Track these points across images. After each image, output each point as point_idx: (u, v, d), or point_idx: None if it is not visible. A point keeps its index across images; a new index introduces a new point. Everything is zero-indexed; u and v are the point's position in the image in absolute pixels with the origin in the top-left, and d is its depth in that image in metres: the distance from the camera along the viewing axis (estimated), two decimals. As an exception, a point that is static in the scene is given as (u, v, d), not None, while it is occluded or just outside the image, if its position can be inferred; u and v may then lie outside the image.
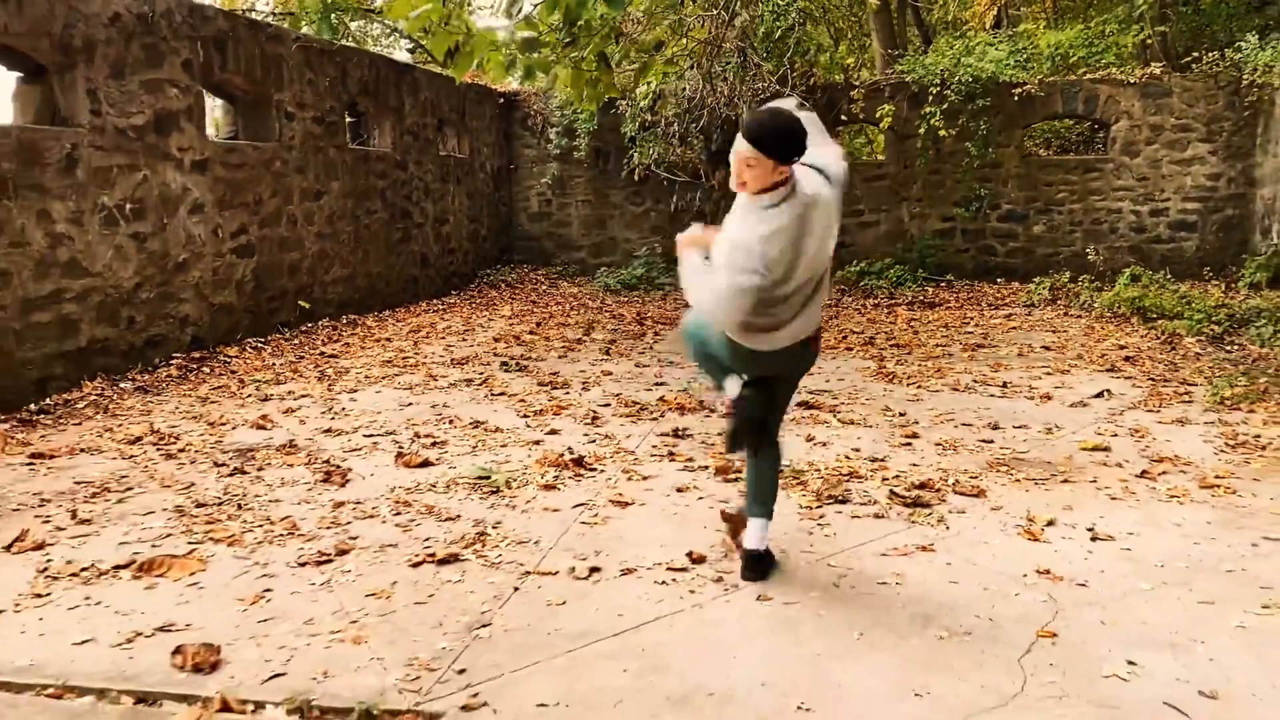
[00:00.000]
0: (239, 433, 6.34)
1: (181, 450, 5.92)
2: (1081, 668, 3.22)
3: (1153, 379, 7.76)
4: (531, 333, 10.35)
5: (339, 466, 5.53)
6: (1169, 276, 12.29)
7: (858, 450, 5.84)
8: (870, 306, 12.35)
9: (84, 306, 7.32)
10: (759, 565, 3.96)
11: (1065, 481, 5.25)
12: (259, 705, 3.03)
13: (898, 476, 5.31)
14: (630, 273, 14.27)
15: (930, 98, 13.75)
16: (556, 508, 4.87)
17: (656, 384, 7.82)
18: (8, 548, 4.33)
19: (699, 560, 4.16)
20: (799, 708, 2.98)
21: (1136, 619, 3.59)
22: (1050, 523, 4.61)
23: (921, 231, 14.41)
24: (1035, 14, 22.47)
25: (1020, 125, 14.16)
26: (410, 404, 7.13)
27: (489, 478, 5.28)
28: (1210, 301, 10.47)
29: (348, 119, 11.33)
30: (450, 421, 6.61)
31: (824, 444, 6.00)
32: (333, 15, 19.96)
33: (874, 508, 4.84)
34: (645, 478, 5.36)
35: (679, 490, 5.14)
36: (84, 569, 4.10)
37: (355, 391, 7.52)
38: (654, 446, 5.99)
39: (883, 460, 5.65)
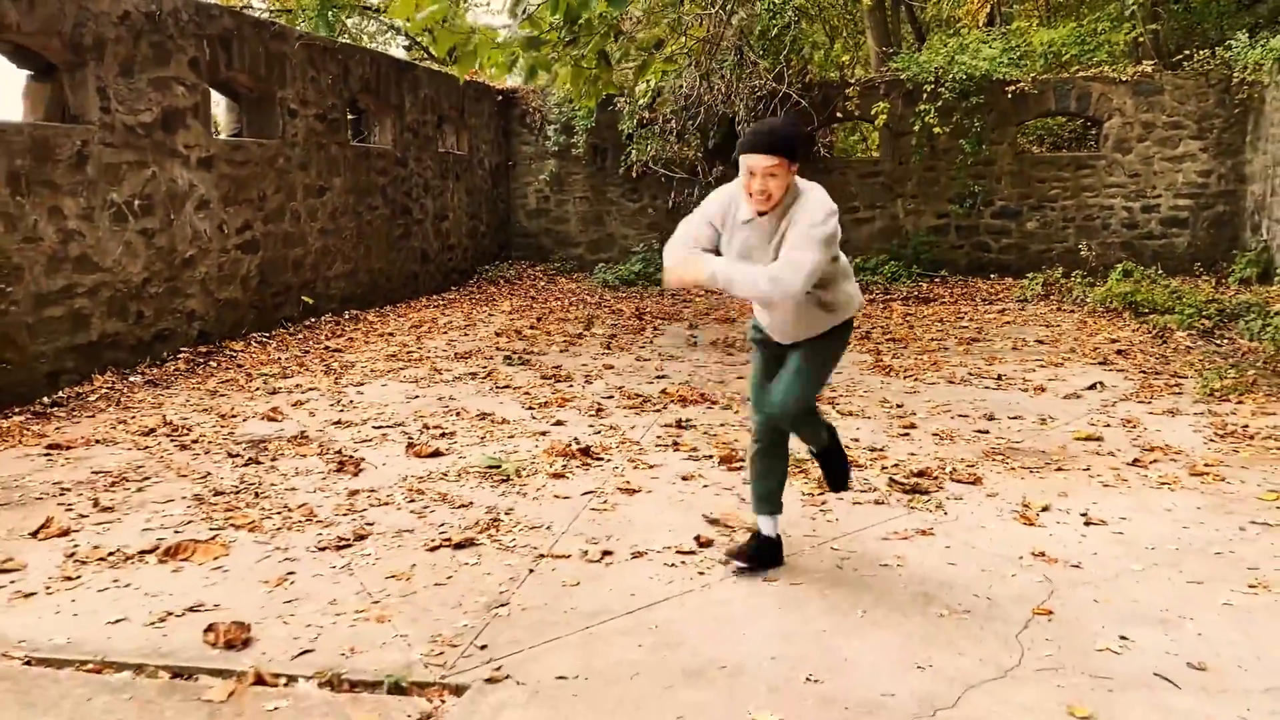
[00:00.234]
0: (250, 424, 6.47)
1: (195, 441, 6.05)
2: (1076, 642, 3.37)
3: (1144, 372, 7.92)
4: (532, 328, 10.49)
5: (351, 456, 5.66)
6: (1160, 272, 12.46)
7: (857, 440, 5.98)
8: (866, 301, 12.49)
9: (94, 301, 7.44)
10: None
11: (1059, 470, 5.40)
12: (291, 679, 3.17)
13: (897, 465, 5.46)
14: (628, 268, 14.40)
15: (925, 95, 13.90)
16: (566, 495, 5.01)
17: (658, 377, 7.96)
18: (34, 534, 4.46)
19: (706, 544, 4.30)
20: (808, 679, 3.13)
21: (1128, 597, 3.74)
22: (1045, 508, 4.76)
23: (916, 228, 14.56)
24: (1028, 11, 22.65)
25: (1014, 122, 14.32)
26: (417, 396, 7.26)
27: (499, 467, 5.41)
28: (1201, 296, 10.63)
29: (349, 116, 11.44)
30: (457, 413, 6.75)
31: (824, 434, 6.14)
32: (329, 12, 20.04)
33: (874, 494, 4.99)
34: (651, 466, 5.51)
35: (684, 478, 5.28)
36: (110, 554, 4.23)
37: (362, 385, 7.65)
38: (658, 437, 6.14)
39: (882, 450, 5.80)
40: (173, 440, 6.07)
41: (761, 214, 3.62)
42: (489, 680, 3.13)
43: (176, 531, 4.51)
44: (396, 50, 23.72)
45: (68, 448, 5.87)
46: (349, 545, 4.33)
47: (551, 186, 15.81)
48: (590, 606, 3.70)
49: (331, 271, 10.81)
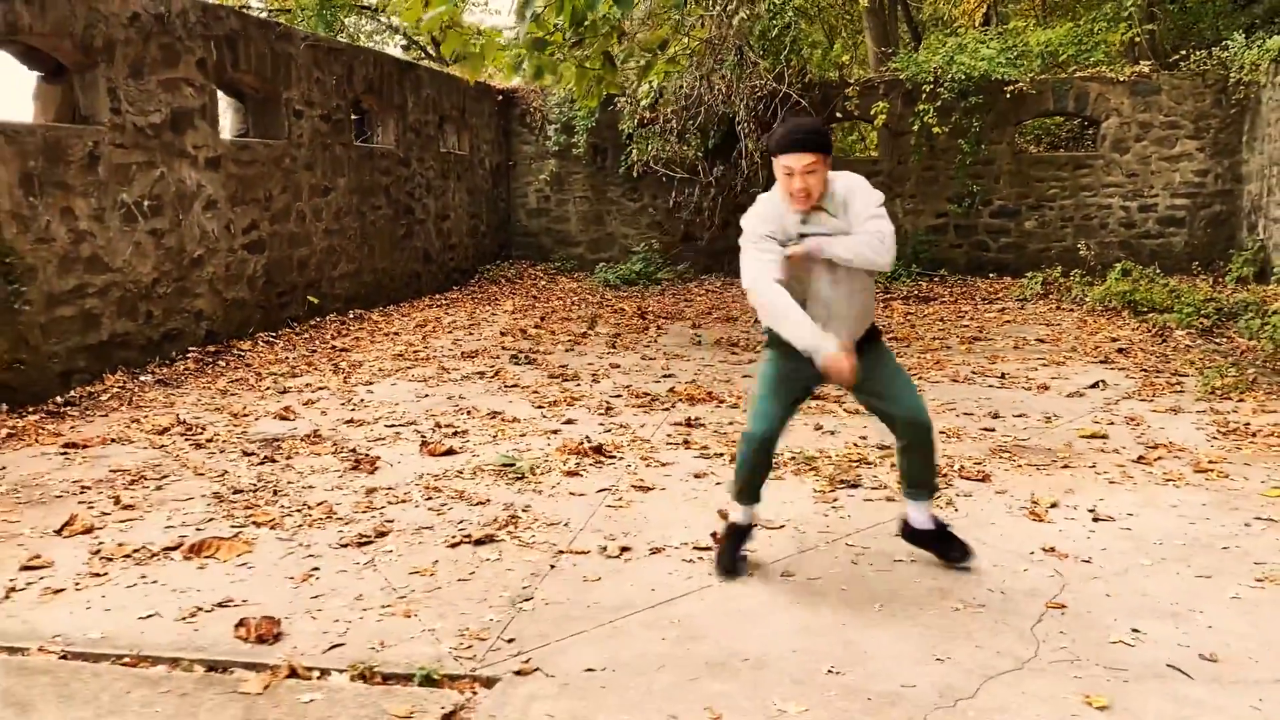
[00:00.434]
0: (263, 423, 6.53)
1: (209, 440, 6.11)
2: (1089, 635, 3.45)
3: (1145, 370, 8.01)
4: (536, 327, 10.55)
5: (366, 455, 5.73)
6: (1158, 271, 12.54)
7: (864, 438, 6.06)
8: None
9: (105, 301, 7.50)
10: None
11: (1065, 467, 5.48)
12: (324, 672, 3.23)
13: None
14: (629, 268, 14.47)
15: (923, 95, 13.99)
16: (581, 492, 5.08)
17: (665, 376, 8.03)
18: (59, 531, 4.52)
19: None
20: (830, 671, 3.20)
21: (1138, 591, 3.82)
22: (1053, 505, 4.84)
23: (915, 227, 14.65)
24: (1023, 11, 22.76)
25: (1012, 122, 14.41)
26: (426, 395, 7.33)
27: (513, 465, 5.48)
28: (1199, 295, 10.72)
29: (352, 117, 11.50)
30: (468, 412, 6.81)
31: (832, 432, 6.22)
32: (327, 12, 20.01)
33: (884, 491, 5.06)
34: (663, 464, 5.58)
35: (696, 476, 5.36)
36: (135, 550, 4.29)
37: (371, 384, 7.71)
38: (668, 435, 6.21)
39: (890, 447, 5.86)
40: (187, 439, 6.13)
41: (803, 211, 3.73)
42: (518, 672, 3.20)
43: (198, 529, 4.58)
44: (394, 50, 23.79)
45: (84, 446, 5.93)
46: (370, 542, 4.40)
47: (552, 186, 15.88)
48: (612, 601, 3.77)
49: (336, 271, 10.87)
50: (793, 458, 5.61)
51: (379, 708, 3.01)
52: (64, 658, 3.34)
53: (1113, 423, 6.43)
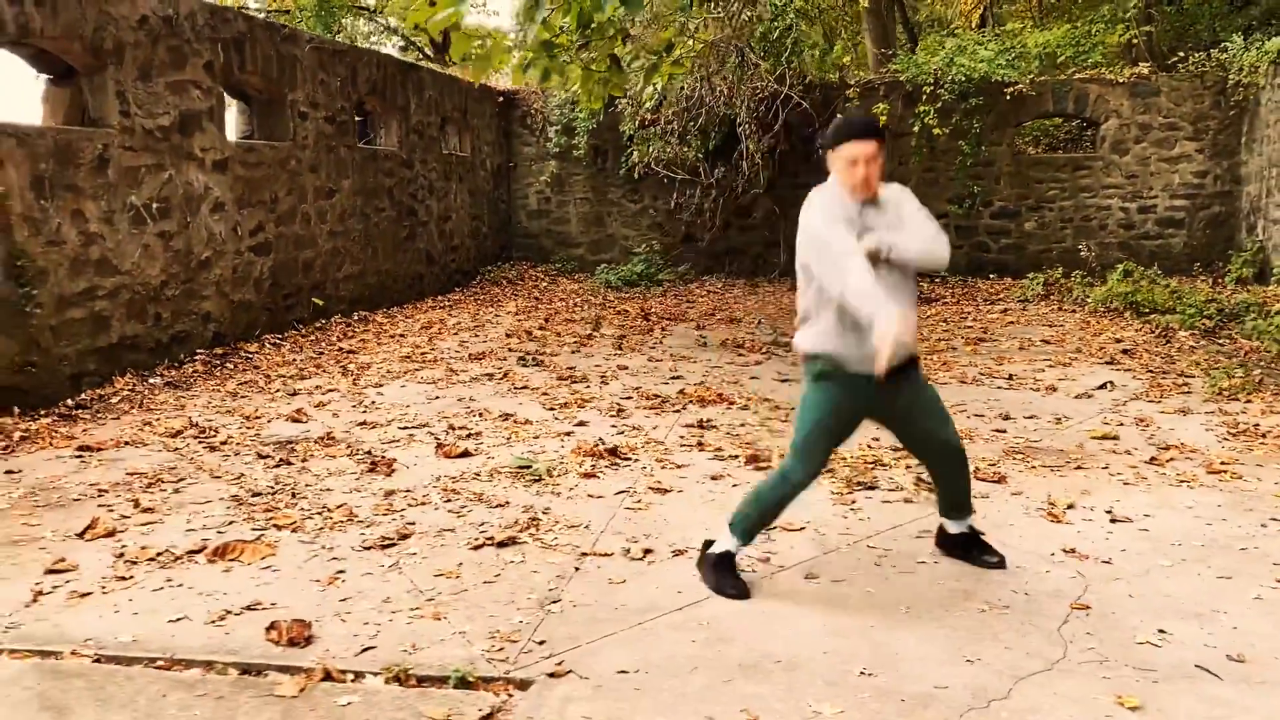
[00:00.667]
0: (275, 426, 6.54)
1: (223, 443, 6.11)
2: (1116, 636, 3.48)
3: (1151, 371, 8.05)
4: (541, 328, 10.57)
5: (383, 457, 5.74)
6: (1159, 272, 12.59)
7: (878, 440, 6.08)
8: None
9: (115, 303, 7.49)
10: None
11: (1079, 468, 5.51)
12: (358, 675, 3.25)
13: (920, 464, 5.55)
14: (630, 269, 14.49)
15: (924, 97, 14.04)
16: (600, 495, 5.09)
17: (673, 378, 8.05)
18: (81, 535, 4.53)
19: (745, 542, 4.40)
20: (862, 672, 3.23)
21: (1161, 592, 3.85)
22: (1070, 506, 4.87)
23: (916, 228, 14.64)
24: (1019, 13, 22.84)
25: (1012, 124, 14.45)
26: (437, 398, 7.34)
27: (530, 467, 5.50)
28: (1200, 296, 10.77)
29: (356, 119, 11.50)
30: (480, 414, 6.82)
31: (844, 434, 6.24)
32: (325, 13, 19.99)
33: (902, 493, 5.09)
34: (679, 466, 5.60)
35: (713, 478, 5.38)
36: (159, 554, 4.30)
37: (381, 386, 7.72)
38: (681, 437, 6.23)
39: (903, 449, 5.89)
40: (201, 442, 6.13)
41: (863, 200, 3.79)
42: (552, 675, 3.22)
43: (220, 532, 4.58)
44: (391, 51, 23.77)
45: (98, 449, 5.93)
46: (393, 544, 4.41)
47: (552, 187, 15.88)
48: (639, 603, 3.79)
49: (341, 273, 10.87)
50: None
51: (416, 710, 3.03)
52: (97, 661, 3.35)
53: (1123, 424, 6.46)
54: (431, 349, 9.34)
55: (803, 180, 14.75)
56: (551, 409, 6.99)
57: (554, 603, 3.79)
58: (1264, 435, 6.11)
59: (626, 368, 8.49)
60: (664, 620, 3.64)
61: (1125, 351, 8.87)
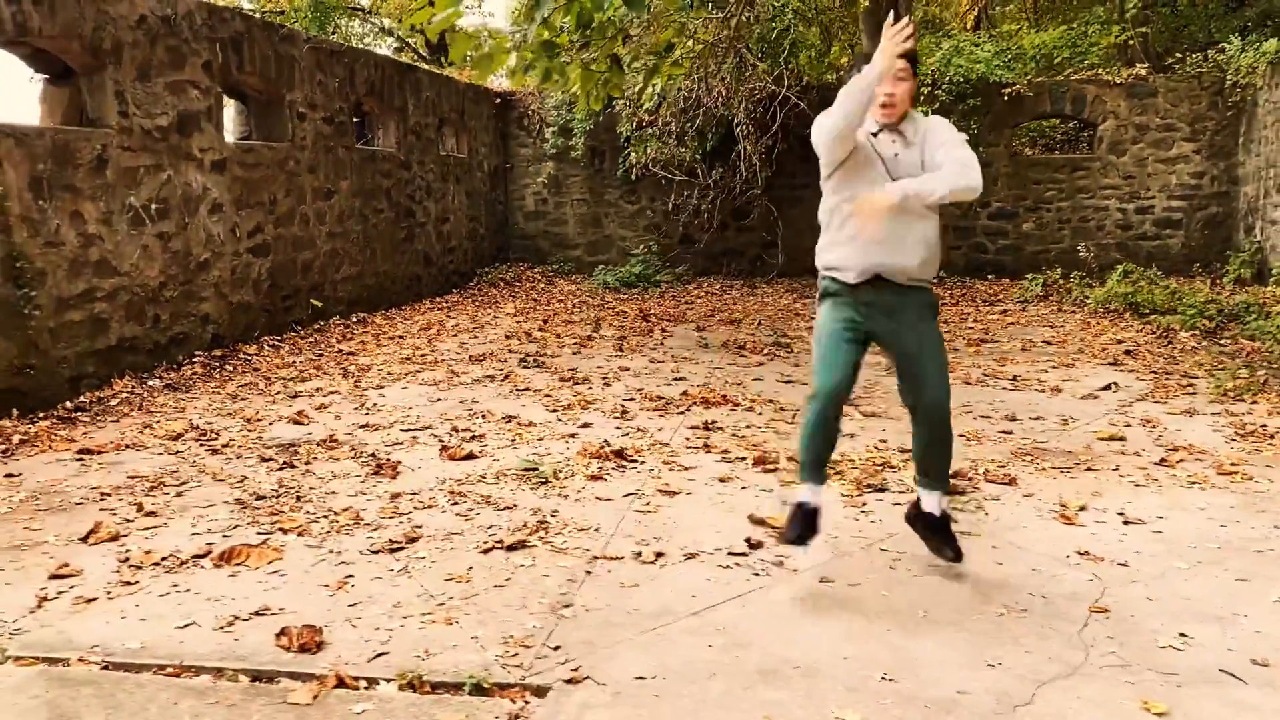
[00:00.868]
0: (277, 428, 6.48)
1: (225, 446, 6.05)
2: (1137, 640, 3.44)
3: (1155, 372, 8.03)
4: (540, 330, 10.52)
5: (387, 459, 5.69)
6: (1159, 273, 12.58)
7: (885, 442, 6.05)
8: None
9: (113, 305, 7.43)
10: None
11: (1089, 469, 5.48)
12: (371, 681, 3.20)
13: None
14: (629, 270, 14.44)
15: (921, 97, 13.99)
16: (608, 497, 5.05)
17: (676, 379, 8.01)
18: (84, 539, 4.47)
19: (757, 546, 4.36)
20: (883, 678, 3.19)
21: (1179, 595, 3.82)
22: (1082, 508, 4.84)
23: (914, 229, 14.62)
24: (1014, 15, 22.85)
25: (1009, 124, 14.46)
26: (439, 399, 7.29)
27: (536, 469, 5.45)
28: (1199, 297, 10.77)
29: (353, 119, 11.44)
30: (483, 416, 6.77)
31: (851, 436, 6.20)
32: (320, 14, 19.94)
33: (912, 496, 5.03)
34: (686, 468, 5.56)
35: (721, 480, 5.34)
36: (164, 558, 4.24)
37: (382, 388, 7.66)
38: (687, 439, 6.19)
39: (911, 451, 5.85)
40: (202, 445, 6.07)
41: (887, 127, 3.77)
42: (569, 681, 3.17)
43: (225, 536, 4.53)
44: (385, 51, 23.70)
45: (99, 452, 5.87)
46: (401, 548, 4.36)
47: (549, 189, 15.84)
48: (652, 607, 3.75)
49: (339, 274, 10.81)
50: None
51: (432, 717, 2.98)
52: (105, 668, 3.29)
53: (1129, 425, 6.44)
54: (431, 351, 9.29)
55: (800, 181, 14.71)
56: (555, 411, 6.94)
57: (567, 607, 3.74)
58: (1272, 436, 6.08)
59: (628, 369, 8.44)
60: (679, 625, 3.60)
61: (1128, 352, 8.85)
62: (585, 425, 6.55)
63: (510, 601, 3.80)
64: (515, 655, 3.35)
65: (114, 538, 4.49)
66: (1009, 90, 13.96)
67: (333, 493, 5.15)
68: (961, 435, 6.20)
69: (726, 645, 3.43)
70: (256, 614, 3.70)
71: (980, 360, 8.69)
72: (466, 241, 14.45)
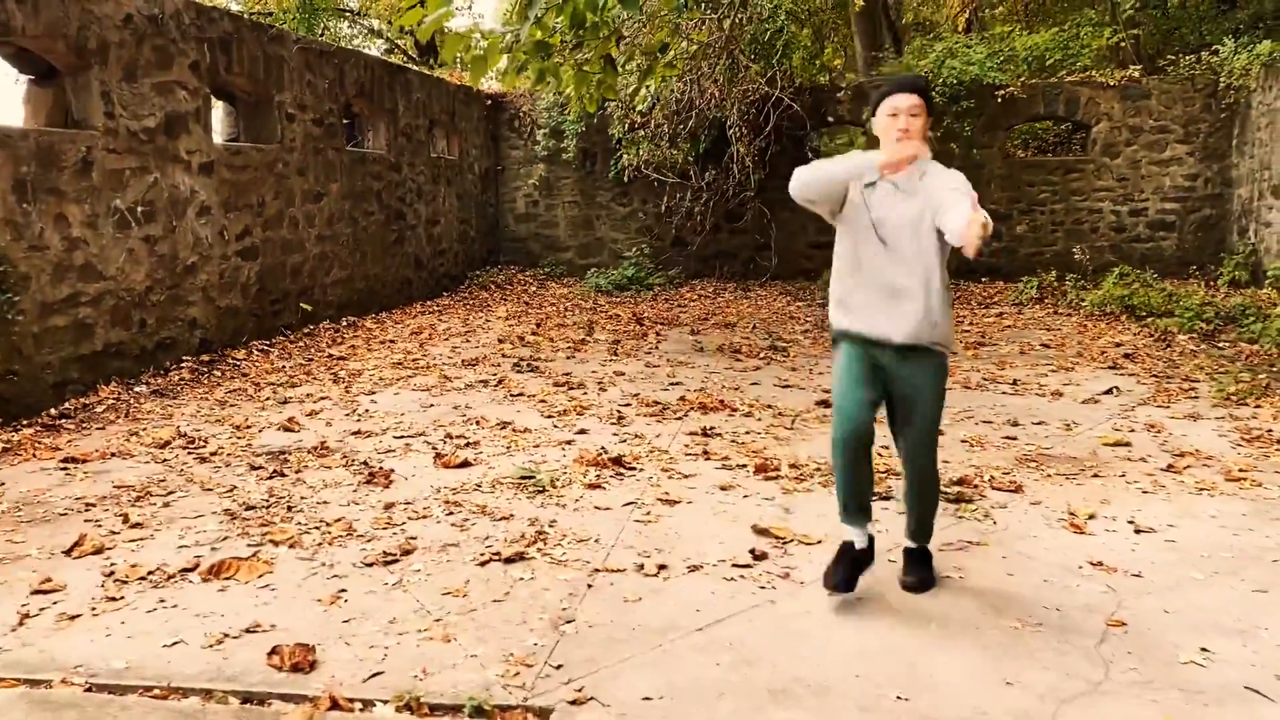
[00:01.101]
0: (267, 435, 6.34)
1: (214, 454, 5.92)
2: (1157, 655, 3.34)
3: (1155, 376, 7.95)
4: (534, 333, 10.39)
5: (380, 468, 5.56)
6: (1155, 275, 12.52)
7: (887, 448, 5.92)
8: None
9: (99, 310, 7.28)
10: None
11: (1095, 476, 5.39)
12: (366, 703, 3.07)
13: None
14: (621, 273, 14.32)
15: (918, 101, 13.90)
16: (607, 506, 4.93)
17: (672, 384, 7.90)
18: (68, 552, 4.33)
19: (761, 557, 4.25)
20: (898, 698, 3.08)
21: (1197, 607, 3.72)
22: (1091, 516, 4.74)
23: (907, 231, 14.54)
24: (1005, 16, 22.81)
25: (1003, 127, 14.39)
26: (432, 405, 7.16)
27: (533, 478, 5.33)
28: (1196, 299, 10.70)
29: (343, 121, 11.30)
30: (477, 422, 6.65)
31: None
32: (309, 15, 19.78)
33: (916, 503, 4.94)
34: (686, 476, 5.44)
35: (722, 488, 5.22)
36: (151, 572, 4.11)
37: (373, 393, 7.53)
38: (686, 445, 6.07)
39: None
40: (190, 453, 5.94)
41: (893, 172, 3.60)
42: (573, 702, 3.06)
43: (214, 548, 4.40)
44: (374, 53, 23.55)
45: (83, 461, 5.73)
46: (396, 560, 4.24)
47: (541, 191, 15.72)
48: (657, 623, 3.63)
49: (329, 278, 10.67)
50: (818, 468, 5.49)
51: (430, 741, 2.86)
52: (89, 690, 3.16)
53: (1133, 430, 6.35)
54: (423, 355, 9.16)
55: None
56: (550, 417, 6.82)
57: (568, 623, 3.63)
58: (1278, 441, 6.00)
59: (623, 373, 8.33)
60: (685, 641, 3.48)
61: (1127, 356, 8.77)
62: (582, 431, 6.43)
63: (510, 617, 3.68)
64: (516, 674, 3.23)
65: (99, 550, 4.35)
66: (1003, 92, 13.89)
67: (324, 502, 5.02)
68: (964, 441, 6.11)
69: (734, 663, 3.32)
70: (247, 631, 3.57)
71: (979, 364, 8.59)
72: (457, 244, 14.32)
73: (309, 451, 5.96)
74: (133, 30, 7.60)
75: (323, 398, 7.36)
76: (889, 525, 4.63)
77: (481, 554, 4.29)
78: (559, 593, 3.90)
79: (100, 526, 4.66)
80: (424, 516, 4.80)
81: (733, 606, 3.77)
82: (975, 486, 5.18)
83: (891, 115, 3.60)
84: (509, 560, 4.22)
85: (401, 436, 6.30)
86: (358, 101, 11.52)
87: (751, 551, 4.28)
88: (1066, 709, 3.00)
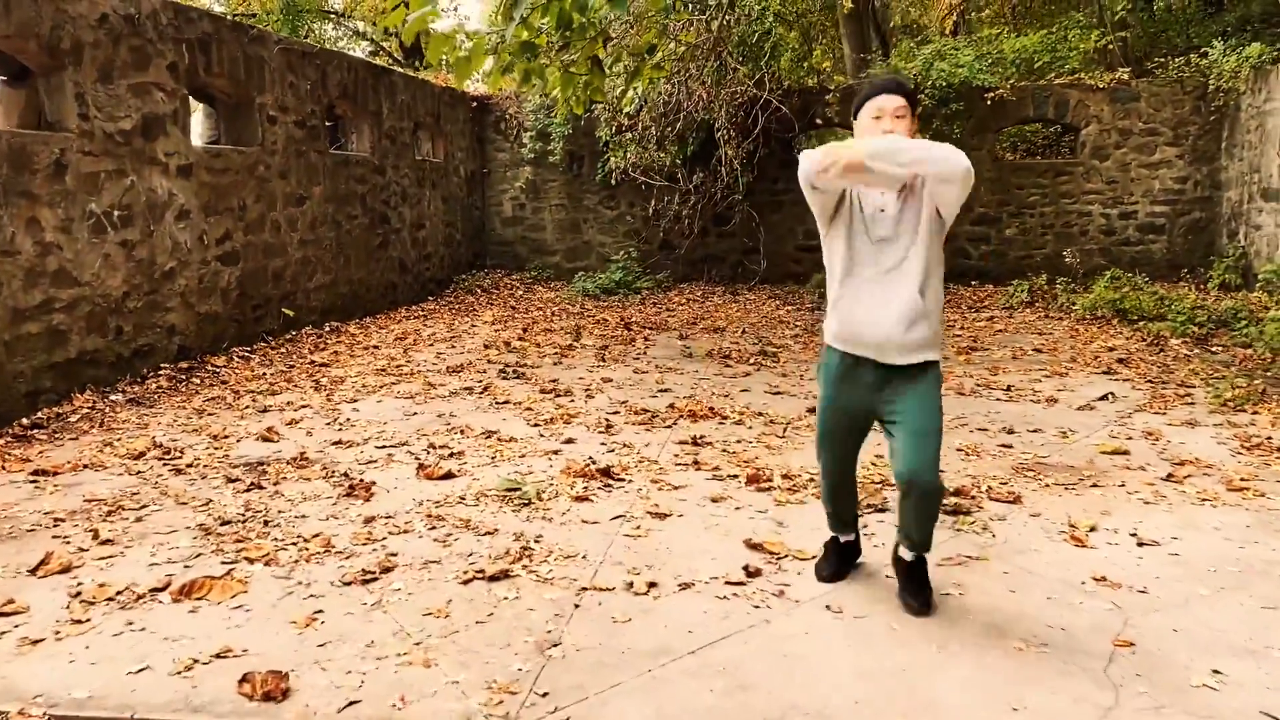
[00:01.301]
0: (245, 445, 6.18)
1: (190, 465, 5.75)
2: (1168, 678, 3.21)
3: (1150, 381, 7.84)
4: (520, 339, 10.23)
5: (360, 480, 5.40)
6: (1146, 279, 12.44)
7: (881, 457, 5.81)
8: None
9: (73, 317, 7.10)
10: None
11: (1094, 486, 5.26)
12: (342, 735, 2.92)
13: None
14: (608, 277, 14.17)
15: (908, 103, 13.80)
16: (594, 520, 4.78)
17: (661, 390, 7.75)
18: (33, 571, 4.16)
19: (755, 574, 4.11)
20: (900, 725, 2.94)
21: (1206, 625, 3.60)
22: (1092, 528, 4.61)
23: (897, 235, 14.43)
24: (992, 19, 22.76)
25: (992, 129, 14.29)
26: (415, 413, 7.00)
27: (518, 489, 5.17)
28: (1187, 303, 10.61)
29: (326, 123, 11.13)
30: (461, 431, 6.49)
31: (845, 450, 5.96)
32: (293, 17, 19.59)
33: (913, 515, 4.80)
34: (676, 487, 5.29)
35: (714, 500, 5.08)
36: (119, 592, 3.94)
37: (356, 401, 7.37)
38: (675, 455, 5.93)
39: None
40: (165, 464, 5.76)
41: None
42: (560, 733, 2.91)
43: (186, 566, 4.23)
44: (358, 55, 23.35)
45: (54, 473, 5.55)
46: (375, 579, 4.08)
47: (527, 194, 15.56)
48: (647, 645, 3.49)
49: (312, 283, 10.49)
50: (811, 479, 5.36)
51: (409, 777, 2.71)
52: (49, 722, 3.00)
53: (1130, 437, 6.23)
54: (407, 361, 8.99)
55: (782, 186, 14.54)
56: (536, 425, 6.67)
57: (554, 645, 3.47)
58: (1278, 449, 5.89)
59: (611, 380, 8.18)
60: (677, 665, 3.33)
61: (1120, 360, 8.66)
62: (569, 441, 6.28)
63: (493, 640, 3.53)
64: (500, 703, 3.08)
65: (66, 569, 4.18)
66: (992, 95, 13.80)
67: (302, 516, 4.86)
68: (960, 449, 5.98)
69: (729, 689, 3.17)
70: (218, 656, 3.41)
71: (972, 370, 8.47)
72: (443, 248, 14.15)
73: (288, 462, 5.79)
74: (108, 30, 7.43)
75: (304, 406, 7.19)
76: (886, 539, 4.49)
77: (464, 571, 4.14)
78: (545, 613, 3.75)
79: (69, 543, 4.49)
80: (405, 531, 4.64)
81: (726, 627, 3.63)
82: (973, 497, 5.05)
83: (875, 118, 3.46)
84: (493, 578, 4.07)
85: (384, 446, 6.14)
86: (341, 103, 11.35)
87: (745, 568, 4.14)
88: (1076, 737, 2.86)
